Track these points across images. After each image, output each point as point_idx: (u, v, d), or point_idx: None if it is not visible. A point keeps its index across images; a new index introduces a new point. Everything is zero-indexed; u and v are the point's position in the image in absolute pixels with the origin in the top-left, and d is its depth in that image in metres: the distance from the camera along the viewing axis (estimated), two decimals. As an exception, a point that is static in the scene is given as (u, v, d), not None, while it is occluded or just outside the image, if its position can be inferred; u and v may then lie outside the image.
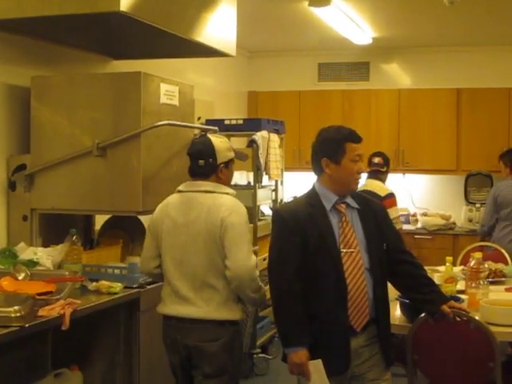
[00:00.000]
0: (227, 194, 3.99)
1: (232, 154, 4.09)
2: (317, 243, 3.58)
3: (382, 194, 7.03)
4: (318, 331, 3.58)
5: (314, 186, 3.78)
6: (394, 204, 7.06)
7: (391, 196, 7.14)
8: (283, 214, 3.74)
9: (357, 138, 3.70)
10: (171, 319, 3.94)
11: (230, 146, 4.11)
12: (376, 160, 7.41)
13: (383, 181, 7.39)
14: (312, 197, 3.73)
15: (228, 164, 4.06)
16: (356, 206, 3.74)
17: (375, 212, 3.82)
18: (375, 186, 7.16)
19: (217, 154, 3.97)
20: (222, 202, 3.90)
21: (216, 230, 3.82)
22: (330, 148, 3.66)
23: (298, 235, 3.58)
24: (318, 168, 3.74)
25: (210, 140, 4.01)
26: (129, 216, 4.77)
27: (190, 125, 5.06)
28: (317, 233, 3.60)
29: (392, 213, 6.41)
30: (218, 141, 4.04)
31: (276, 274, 3.65)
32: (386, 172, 7.46)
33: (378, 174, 7.36)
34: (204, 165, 3.96)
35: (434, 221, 8.67)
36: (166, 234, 3.96)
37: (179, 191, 4.05)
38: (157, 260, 4.03)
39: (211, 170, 3.97)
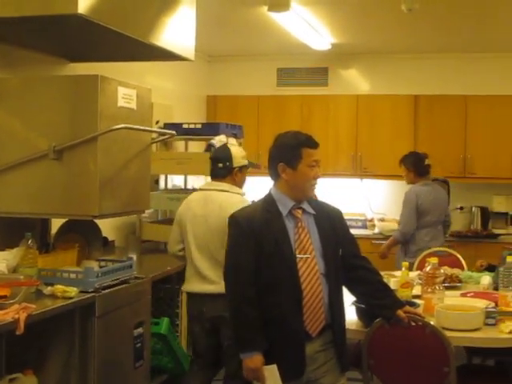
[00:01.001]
0: (238, 194, 4.94)
1: (245, 162, 5.05)
2: (272, 248, 3.60)
3: None
4: (273, 336, 3.60)
5: (270, 192, 3.80)
6: None
7: None
8: (239, 219, 3.76)
9: (313, 144, 3.72)
10: (196, 295, 4.92)
11: (244, 154, 5.08)
12: None
13: None
14: (268, 202, 3.75)
15: (241, 169, 5.01)
16: (312, 211, 3.76)
17: (331, 217, 3.84)
18: None
19: (233, 160, 4.94)
20: (233, 201, 4.75)
21: (225, 223, 4.24)
22: (287, 153, 3.69)
23: (254, 240, 3.61)
24: (274, 173, 3.76)
25: (228, 147, 5.07)
26: (85, 220, 4.73)
27: (147, 128, 5.02)
28: (272, 238, 3.62)
29: None
30: (234, 149, 5.07)
31: (232, 279, 3.68)
32: None
33: None
34: (222, 167, 4.93)
35: (390, 226, 8.68)
36: (189, 224, 4.90)
37: (200, 189, 5.13)
38: (180, 244, 5.02)
39: (227, 172, 4.94)
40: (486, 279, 5.54)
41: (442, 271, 4.98)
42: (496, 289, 5.19)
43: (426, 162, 7.26)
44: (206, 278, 4.82)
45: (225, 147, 5.11)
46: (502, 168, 8.58)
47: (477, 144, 8.65)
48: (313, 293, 3.62)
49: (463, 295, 5.16)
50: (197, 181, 8.07)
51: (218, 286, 4.59)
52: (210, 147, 6.78)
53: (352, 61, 9.40)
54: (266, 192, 3.83)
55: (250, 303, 3.58)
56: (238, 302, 3.62)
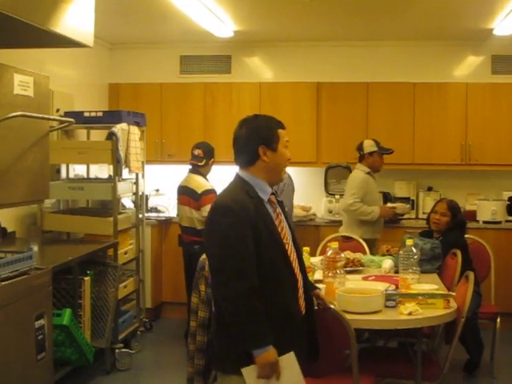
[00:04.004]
0: (362, 170, 7.56)
1: (374, 148, 7.56)
2: (267, 236, 3.46)
3: (199, 190, 7.00)
4: (279, 327, 3.43)
5: (242, 178, 3.61)
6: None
7: (209, 192, 6.97)
8: (231, 205, 3.43)
9: (283, 125, 3.68)
10: None
11: (373, 144, 7.59)
12: (196, 152, 7.25)
13: (204, 175, 7.24)
14: (247, 188, 3.54)
15: (372, 154, 7.57)
16: (279, 197, 3.75)
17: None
18: (193, 181, 7.11)
19: (364, 148, 7.58)
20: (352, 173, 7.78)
21: None
22: (266, 135, 3.59)
23: (251, 228, 3.39)
24: (251, 157, 3.59)
25: (362, 141, 7.67)
26: (-18, 210, 4.64)
27: (45, 116, 4.92)
28: (263, 225, 3.46)
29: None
30: (366, 141, 7.66)
31: (233, 272, 3.34)
32: (206, 165, 7.26)
33: (197, 167, 7.20)
34: (359, 155, 7.64)
35: (294, 212, 8.75)
36: None
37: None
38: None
39: (361, 157, 7.62)
40: (388, 263, 5.66)
41: (343, 255, 5.05)
42: (397, 272, 5.29)
43: None
44: None
45: (362, 141, 7.66)
46: (402, 154, 8.71)
47: (378, 131, 8.76)
48: (299, 278, 3.61)
49: (365, 279, 5.27)
50: (99, 170, 7.98)
51: None
52: (111, 135, 6.71)
53: (255, 48, 9.42)
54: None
55: (256, 296, 3.33)
56: (245, 296, 3.31)
